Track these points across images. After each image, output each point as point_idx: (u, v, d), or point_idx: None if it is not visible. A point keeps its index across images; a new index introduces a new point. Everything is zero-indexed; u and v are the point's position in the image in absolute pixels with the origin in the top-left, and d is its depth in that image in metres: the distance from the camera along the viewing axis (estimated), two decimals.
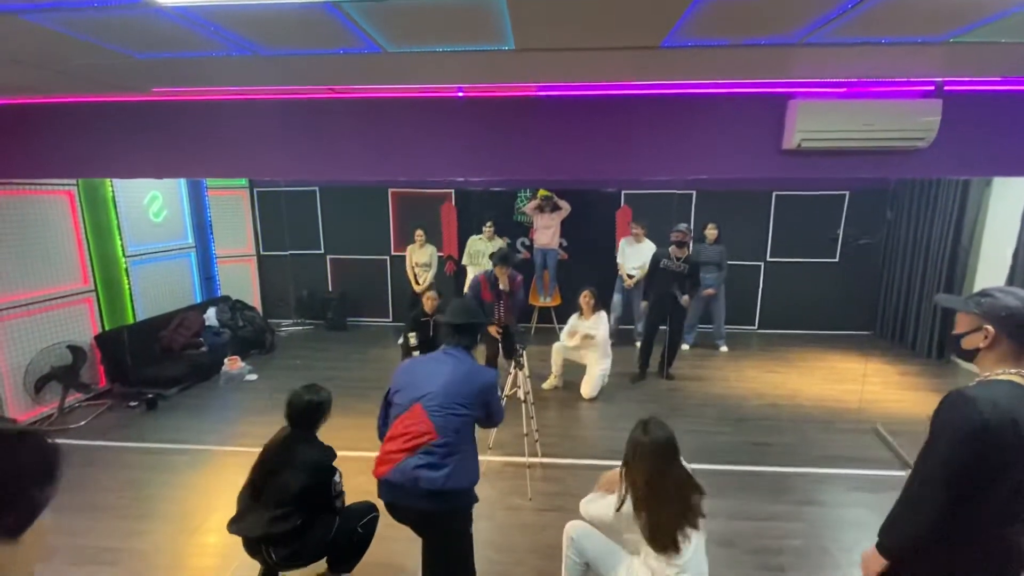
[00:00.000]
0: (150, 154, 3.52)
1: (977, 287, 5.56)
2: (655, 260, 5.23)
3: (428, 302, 4.82)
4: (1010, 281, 4.99)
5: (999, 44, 2.26)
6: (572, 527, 2.26)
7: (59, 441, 0.78)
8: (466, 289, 6.38)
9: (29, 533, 0.71)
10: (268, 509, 2.23)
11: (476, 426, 2.20)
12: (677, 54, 2.36)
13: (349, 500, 2.49)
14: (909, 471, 1.54)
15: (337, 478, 2.38)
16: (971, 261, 5.70)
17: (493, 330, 4.67)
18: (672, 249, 5.08)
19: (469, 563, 2.22)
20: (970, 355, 1.48)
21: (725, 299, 6.26)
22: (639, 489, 1.90)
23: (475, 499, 2.16)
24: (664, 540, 1.86)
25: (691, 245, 5.15)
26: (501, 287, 4.53)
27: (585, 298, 4.82)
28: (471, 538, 2.20)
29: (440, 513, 2.04)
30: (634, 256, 5.97)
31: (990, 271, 5.39)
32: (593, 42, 2.19)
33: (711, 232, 6.04)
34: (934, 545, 1.41)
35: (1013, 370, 1.39)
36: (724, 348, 6.25)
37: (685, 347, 6.29)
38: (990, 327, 1.40)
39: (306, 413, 2.40)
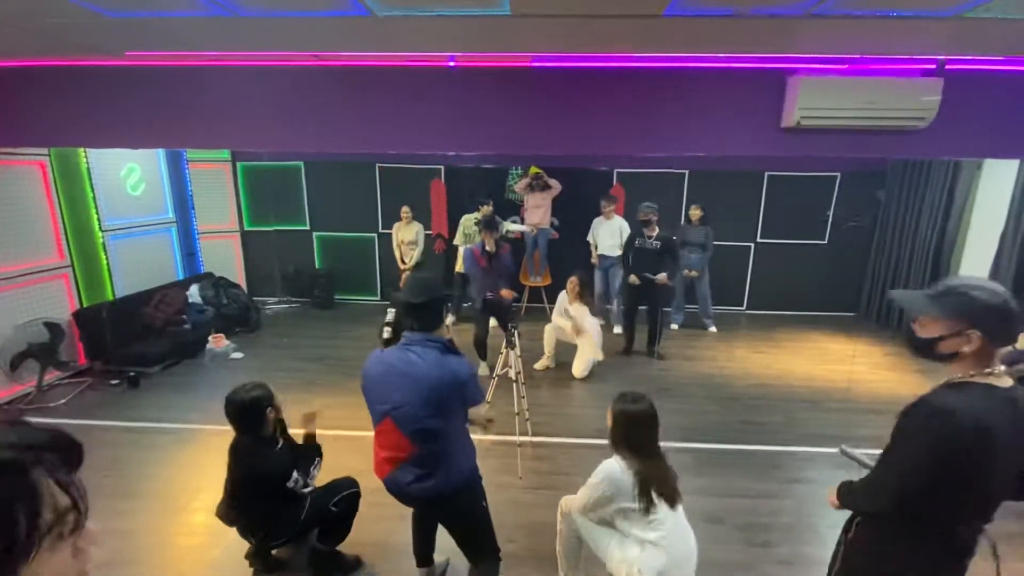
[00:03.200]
0: (126, 123, 3.36)
1: (964, 269, 5.63)
2: (631, 239, 5.35)
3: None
4: (996, 263, 5.05)
5: (1006, 21, 2.21)
6: (566, 501, 2.26)
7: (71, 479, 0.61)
8: (459, 266, 6.32)
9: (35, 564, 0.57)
10: (235, 502, 2.34)
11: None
12: (679, 24, 2.28)
13: (340, 475, 2.51)
14: None
15: (292, 481, 2.30)
16: (958, 243, 5.75)
17: (508, 293, 4.71)
18: (645, 229, 5.20)
19: (488, 536, 2.14)
20: (940, 358, 1.34)
21: (711, 279, 6.25)
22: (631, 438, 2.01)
23: (478, 478, 2.10)
24: (667, 491, 1.97)
25: (657, 223, 5.19)
26: (488, 249, 4.62)
27: (571, 285, 4.81)
28: (486, 511, 2.13)
29: (444, 503, 2.00)
30: (606, 234, 5.98)
31: (977, 253, 5.44)
32: (593, 8, 2.10)
33: (696, 212, 6.00)
34: (889, 544, 1.40)
35: (987, 370, 1.29)
36: (713, 328, 6.27)
37: (674, 327, 6.31)
38: (975, 330, 1.26)
39: (246, 413, 2.31)
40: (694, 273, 6.03)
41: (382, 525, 2.74)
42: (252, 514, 2.34)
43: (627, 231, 5.76)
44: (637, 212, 5.20)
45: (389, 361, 1.93)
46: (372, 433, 2.00)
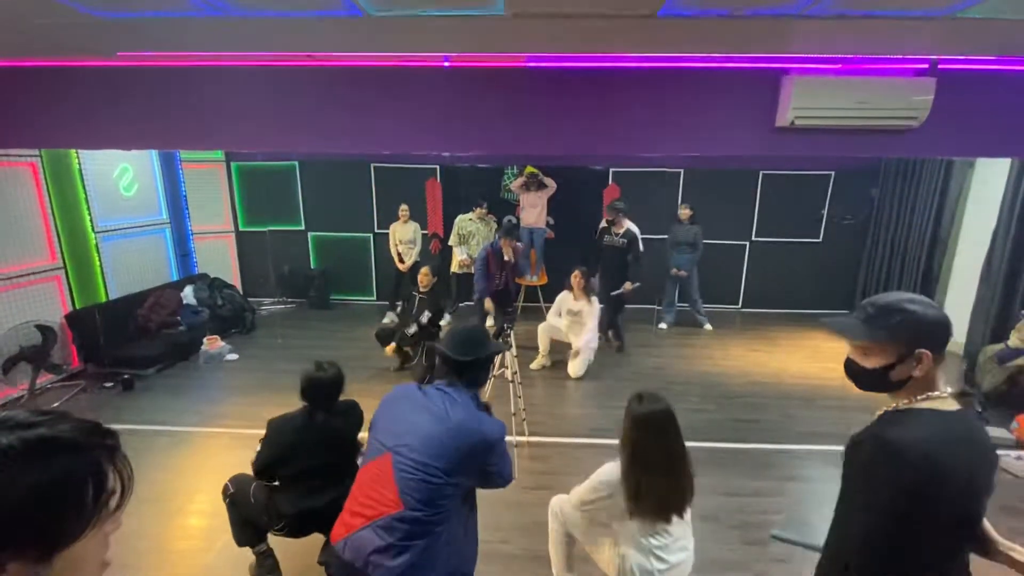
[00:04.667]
0: (118, 124, 3.33)
1: (957, 267, 5.67)
2: (599, 237, 5.54)
3: (424, 278, 4.77)
4: (988, 260, 5.08)
5: (998, 20, 2.22)
6: (557, 501, 2.26)
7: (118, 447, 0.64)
8: (453, 266, 6.31)
9: (61, 560, 0.59)
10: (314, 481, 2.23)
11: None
12: (674, 24, 2.28)
13: None
14: None
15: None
16: (951, 241, 5.79)
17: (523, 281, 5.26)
18: (609, 227, 5.43)
19: None
20: (891, 387, 1.20)
21: (699, 277, 6.25)
22: (640, 455, 1.85)
23: None
24: (676, 506, 1.86)
25: (623, 220, 5.40)
26: (506, 259, 5.01)
27: (575, 278, 4.80)
28: None
29: None
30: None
31: (969, 250, 5.48)
32: (588, 8, 2.09)
33: (685, 212, 6.00)
34: None
35: (935, 393, 1.16)
36: (708, 326, 6.28)
37: (663, 326, 6.33)
38: (924, 350, 1.13)
39: (335, 389, 2.32)
40: (683, 273, 6.04)
41: None
42: (329, 484, 2.25)
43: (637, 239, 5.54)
44: (605, 213, 5.54)
45: (416, 396, 1.69)
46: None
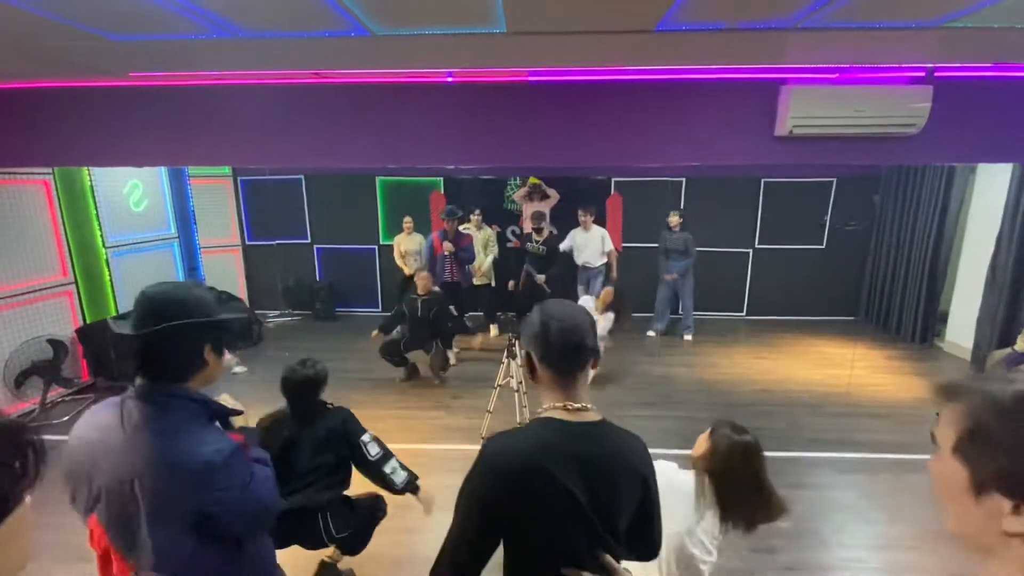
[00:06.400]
0: (130, 141, 3.41)
1: (962, 272, 5.66)
2: (522, 244, 5.92)
3: (421, 281, 4.81)
4: (992, 265, 5.07)
5: (991, 29, 2.26)
6: None
7: (41, 437, 0.72)
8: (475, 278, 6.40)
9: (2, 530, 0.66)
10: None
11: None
12: (672, 38, 2.32)
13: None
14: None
15: (366, 438, 2.29)
16: (955, 246, 5.79)
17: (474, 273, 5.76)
18: (532, 234, 5.81)
19: None
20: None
21: (700, 285, 6.26)
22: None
23: None
24: (762, 519, 1.76)
25: (549, 231, 5.95)
26: (449, 241, 5.31)
27: (606, 294, 4.77)
28: None
29: None
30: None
31: (975, 256, 5.47)
32: (587, 25, 2.14)
33: (675, 219, 6.01)
34: None
35: (559, 404, 1.12)
36: (688, 337, 6.22)
37: (651, 334, 6.34)
38: (531, 351, 1.15)
39: (319, 386, 2.34)
40: (674, 276, 6.05)
41: (386, 538, 2.74)
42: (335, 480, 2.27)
43: (608, 240, 5.92)
44: (530, 221, 5.92)
45: (104, 423, 1.17)
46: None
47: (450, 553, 1.09)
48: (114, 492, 1.11)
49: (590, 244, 5.92)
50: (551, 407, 1.14)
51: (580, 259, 6.01)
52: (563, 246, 5.99)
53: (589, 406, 1.14)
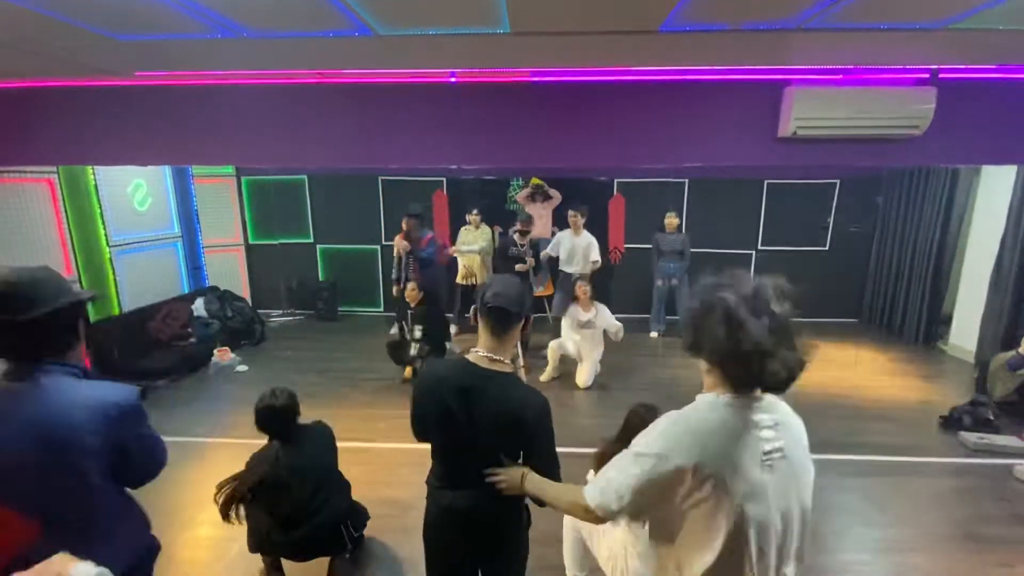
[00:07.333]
0: (134, 140, 3.42)
1: (966, 274, 5.64)
2: (503, 247, 5.47)
3: (411, 294, 4.83)
4: (997, 267, 5.05)
5: (996, 31, 2.25)
6: None
7: None
8: (458, 277, 6.36)
9: None
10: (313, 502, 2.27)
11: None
12: (675, 39, 2.32)
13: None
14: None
15: None
16: (959, 248, 5.77)
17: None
18: (516, 237, 5.39)
19: None
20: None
21: (688, 289, 6.24)
22: None
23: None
24: None
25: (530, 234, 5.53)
26: (409, 237, 5.14)
27: (580, 290, 4.82)
28: None
29: None
30: (569, 249, 5.51)
31: (979, 258, 5.46)
32: (591, 25, 2.15)
33: (673, 221, 5.96)
34: None
35: (483, 352, 1.52)
36: (653, 335, 6.24)
37: (653, 335, 6.32)
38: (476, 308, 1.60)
39: (293, 413, 2.34)
40: (674, 281, 6.03)
41: (386, 538, 2.75)
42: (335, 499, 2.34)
43: (596, 250, 5.37)
44: (516, 223, 5.47)
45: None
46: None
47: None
48: (17, 455, 1.16)
49: (579, 251, 5.37)
50: (474, 352, 1.53)
51: (568, 266, 5.45)
52: (548, 250, 5.51)
53: (507, 360, 1.52)
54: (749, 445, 1.09)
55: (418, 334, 4.77)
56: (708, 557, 1.08)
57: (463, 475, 1.53)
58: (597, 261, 5.41)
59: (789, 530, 1.13)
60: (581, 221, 5.37)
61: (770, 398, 1.18)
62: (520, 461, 1.52)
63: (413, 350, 4.74)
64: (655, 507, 1.14)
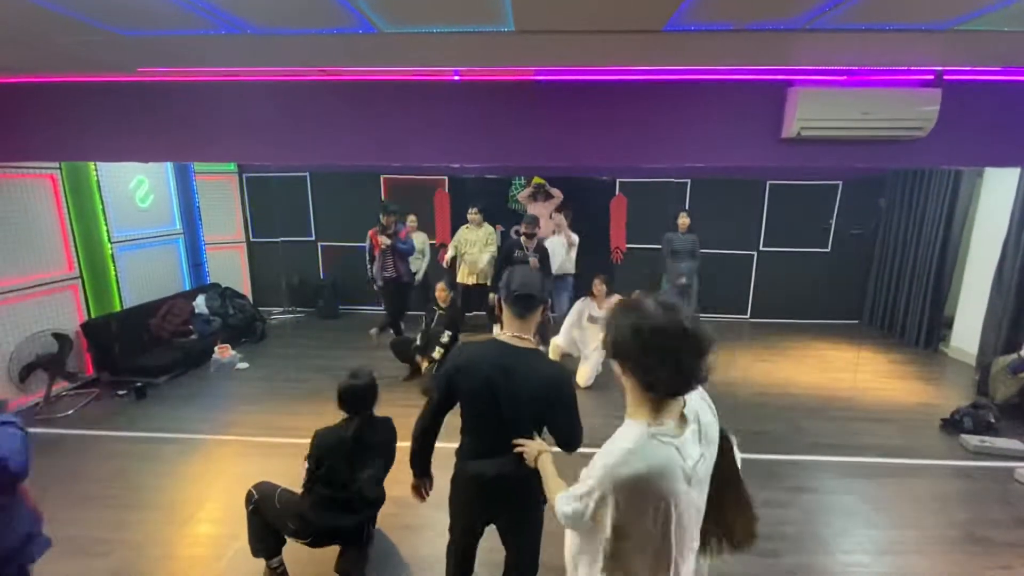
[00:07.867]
0: (136, 137, 3.42)
1: (968, 277, 5.64)
2: (508, 250, 5.29)
3: (441, 293, 4.82)
4: (999, 270, 5.05)
5: (1001, 32, 2.25)
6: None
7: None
8: (460, 276, 6.36)
9: None
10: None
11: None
12: (679, 38, 2.32)
13: None
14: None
15: None
16: (961, 250, 5.76)
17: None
18: (523, 240, 5.21)
19: None
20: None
21: (704, 287, 6.20)
22: None
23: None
24: None
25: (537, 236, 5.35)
26: (387, 234, 5.17)
27: (597, 286, 4.79)
28: None
29: None
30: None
31: (981, 261, 5.45)
32: (595, 25, 2.14)
33: (684, 221, 5.95)
34: None
35: (512, 333, 1.73)
36: None
37: None
38: (500, 296, 1.80)
39: (373, 393, 2.44)
40: (683, 280, 6.02)
41: (386, 537, 2.75)
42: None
43: (574, 251, 5.65)
44: (522, 225, 5.31)
45: None
46: None
47: (422, 415, 1.86)
48: None
49: (559, 251, 5.54)
50: (504, 334, 1.75)
51: (554, 267, 5.48)
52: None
53: (531, 339, 1.75)
54: (678, 476, 1.17)
55: (446, 339, 4.63)
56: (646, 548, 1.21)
57: (493, 445, 1.73)
58: (574, 243, 5.72)
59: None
60: (565, 223, 5.72)
61: (690, 402, 1.28)
62: (542, 433, 1.74)
63: (437, 353, 4.63)
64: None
